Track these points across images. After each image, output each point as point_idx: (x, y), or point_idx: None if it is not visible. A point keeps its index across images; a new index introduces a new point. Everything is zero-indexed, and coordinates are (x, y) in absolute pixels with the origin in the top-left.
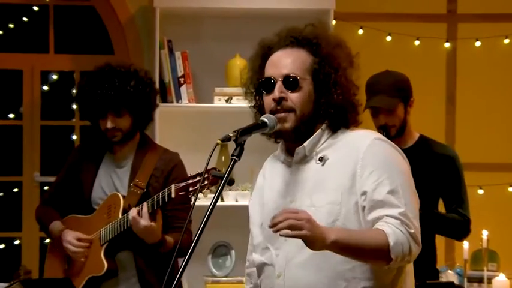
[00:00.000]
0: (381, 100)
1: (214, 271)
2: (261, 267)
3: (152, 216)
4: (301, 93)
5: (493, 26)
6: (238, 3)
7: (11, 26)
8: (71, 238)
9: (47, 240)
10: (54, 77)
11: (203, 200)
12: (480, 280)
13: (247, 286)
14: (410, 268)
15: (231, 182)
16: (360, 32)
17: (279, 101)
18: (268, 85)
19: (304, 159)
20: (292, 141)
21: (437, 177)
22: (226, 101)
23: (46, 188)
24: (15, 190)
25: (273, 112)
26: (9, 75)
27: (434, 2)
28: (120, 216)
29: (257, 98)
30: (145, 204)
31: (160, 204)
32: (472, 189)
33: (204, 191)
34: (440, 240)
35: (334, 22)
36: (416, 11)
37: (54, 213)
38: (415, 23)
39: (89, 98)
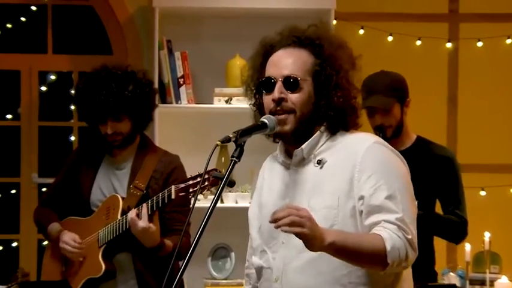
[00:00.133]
0: (376, 100)
1: (214, 273)
2: (259, 271)
3: (150, 218)
4: (301, 94)
5: (495, 26)
6: (238, 3)
7: (9, 26)
8: (68, 239)
9: (45, 243)
10: (53, 77)
11: (202, 201)
12: (482, 282)
13: (246, 286)
14: (408, 273)
15: (231, 184)
16: (361, 32)
17: (279, 101)
18: (268, 85)
19: (303, 161)
20: (291, 143)
21: (435, 178)
22: (226, 101)
23: (44, 189)
24: (13, 192)
25: (272, 113)
26: (7, 75)
27: (436, 1)
28: (119, 217)
29: (257, 96)
30: (144, 205)
31: (160, 205)
32: (474, 191)
33: (204, 192)
34: (441, 243)
35: (334, 22)
36: (418, 10)
37: (52, 215)
38: (416, 22)
39: (87, 104)
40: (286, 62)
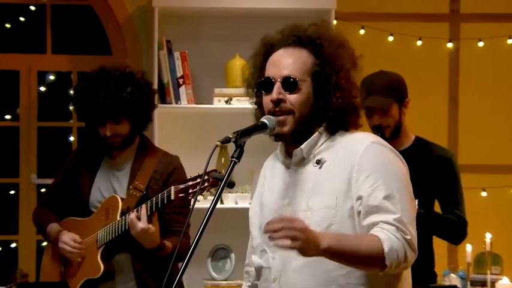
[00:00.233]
0: (374, 100)
1: (214, 274)
2: (259, 270)
3: (149, 219)
4: (299, 95)
5: (496, 26)
6: (238, 2)
7: (7, 26)
8: (67, 239)
9: (44, 243)
10: (52, 77)
11: (202, 202)
12: (483, 284)
13: (246, 284)
14: (407, 274)
15: (231, 185)
16: (362, 32)
17: (277, 102)
18: (267, 85)
19: (302, 161)
20: (290, 143)
21: (434, 179)
22: (226, 102)
23: (43, 190)
24: (12, 192)
25: (271, 113)
26: (6, 75)
27: (436, 1)
28: (118, 218)
29: (258, 94)
30: (143, 206)
31: (160, 206)
32: (475, 192)
33: (204, 193)
34: (442, 244)
35: (335, 22)
36: (419, 10)
37: (51, 215)
38: (417, 22)
39: (86, 106)
40: (286, 62)
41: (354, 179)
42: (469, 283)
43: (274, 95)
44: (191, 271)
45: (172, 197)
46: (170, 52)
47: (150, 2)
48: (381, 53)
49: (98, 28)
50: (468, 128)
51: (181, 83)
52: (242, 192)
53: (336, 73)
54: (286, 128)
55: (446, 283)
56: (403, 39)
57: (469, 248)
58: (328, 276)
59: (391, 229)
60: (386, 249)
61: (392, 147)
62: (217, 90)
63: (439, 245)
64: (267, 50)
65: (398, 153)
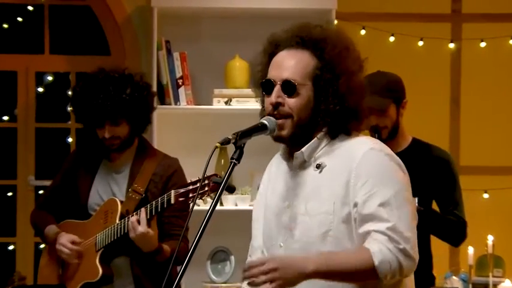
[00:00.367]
0: (371, 100)
1: (213, 277)
2: None
3: (148, 223)
4: (298, 99)
5: (498, 26)
6: (238, 2)
7: (5, 26)
8: (65, 241)
9: (42, 246)
10: (50, 78)
11: (202, 205)
12: (485, 286)
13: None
14: (408, 279)
15: (232, 190)
16: (363, 32)
17: (276, 106)
18: (268, 87)
19: (304, 164)
20: (291, 146)
21: (432, 180)
22: (226, 102)
23: (41, 192)
24: (10, 194)
25: (271, 116)
26: (4, 76)
27: (438, 1)
28: (117, 221)
29: (262, 93)
30: (143, 210)
31: (159, 210)
32: (477, 193)
33: (204, 197)
34: (444, 246)
35: (336, 22)
36: (420, 10)
37: (49, 218)
38: (418, 23)
39: (85, 107)
40: (287, 65)
41: (352, 185)
42: (470, 286)
43: (273, 98)
44: (190, 274)
45: (172, 201)
46: (169, 53)
47: (149, 2)
48: (382, 53)
49: (97, 28)
50: (470, 129)
51: (180, 83)
52: (242, 194)
53: (337, 77)
54: (284, 132)
55: (448, 285)
56: (405, 40)
57: (470, 250)
58: (325, 283)
59: (383, 240)
60: (376, 262)
61: (393, 153)
62: (216, 91)
63: (441, 247)
64: (272, 50)
65: (398, 159)
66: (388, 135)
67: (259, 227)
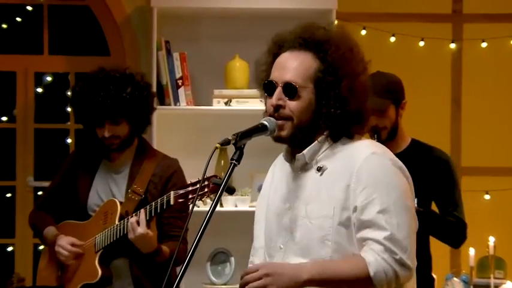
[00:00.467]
0: (371, 101)
1: (213, 279)
2: None
3: (148, 224)
4: (299, 102)
5: (499, 26)
6: (238, 3)
7: (4, 26)
8: (64, 243)
9: (41, 247)
10: (49, 78)
11: (201, 206)
12: None
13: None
14: (411, 281)
15: (231, 191)
16: (363, 32)
17: (276, 108)
18: (269, 88)
19: (305, 166)
20: (292, 147)
21: (431, 181)
22: (226, 103)
23: (40, 193)
24: (9, 195)
25: (271, 117)
26: (3, 77)
27: (439, 1)
28: (116, 222)
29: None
30: (142, 211)
31: (158, 211)
32: (479, 195)
33: (203, 199)
34: (445, 247)
35: (336, 22)
36: (421, 11)
37: (48, 219)
38: (419, 23)
39: (85, 106)
40: (290, 66)
41: (352, 189)
42: (472, 287)
43: (274, 100)
44: (190, 275)
45: (172, 202)
46: (169, 53)
47: (149, 2)
48: (383, 53)
49: (96, 28)
50: (471, 130)
51: (180, 84)
52: (242, 195)
53: (339, 80)
54: (284, 133)
55: (449, 287)
56: (405, 40)
57: (472, 251)
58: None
59: (379, 250)
60: (371, 272)
61: (396, 159)
62: (216, 92)
63: (441, 248)
64: (276, 49)
65: (401, 164)
66: (387, 136)
67: (260, 228)
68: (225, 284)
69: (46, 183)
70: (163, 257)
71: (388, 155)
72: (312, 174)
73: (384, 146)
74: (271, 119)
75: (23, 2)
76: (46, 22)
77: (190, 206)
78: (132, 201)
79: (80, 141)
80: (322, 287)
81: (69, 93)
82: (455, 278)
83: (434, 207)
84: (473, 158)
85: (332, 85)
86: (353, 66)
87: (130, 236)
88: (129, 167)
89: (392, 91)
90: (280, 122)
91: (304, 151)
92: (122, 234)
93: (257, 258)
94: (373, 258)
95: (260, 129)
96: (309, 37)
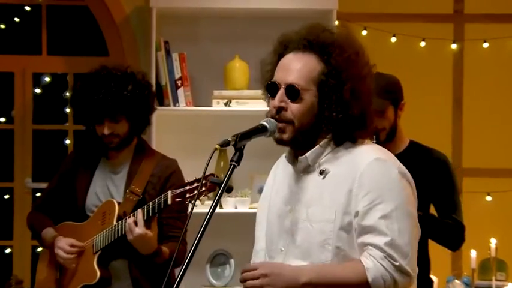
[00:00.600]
0: None
1: (213, 281)
2: None
3: (147, 224)
4: (301, 105)
5: (501, 26)
6: (237, 3)
7: (2, 26)
8: (63, 244)
9: (39, 249)
10: (47, 79)
11: (201, 207)
12: None
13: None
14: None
15: (229, 189)
16: (364, 33)
17: (278, 110)
18: (272, 90)
19: (308, 168)
20: (293, 149)
21: (430, 183)
22: (225, 104)
23: (38, 194)
24: (6, 197)
25: (273, 118)
26: (1, 77)
27: (440, 2)
28: (114, 223)
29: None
30: (139, 211)
31: (156, 211)
32: (480, 196)
33: (201, 198)
34: (446, 249)
35: (336, 23)
36: (422, 11)
37: (46, 220)
38: (420, 23)
39: (85, 103)
40: (294, 68)
41: (354, 194)
42: None
43: (276, 102)
44: (190, 277)
45: (169, 202)
46: (168, 53)
47: (148, 3)
48: (384, 54)
49: (95, 29)
50: (473, 131)
51: (179, 84)
52: (242, 197)
53: (342, 84)
54: (285, 136)
55: None
56: (407, 40)
57: (473, 253)
58: None
59: (378, 256)
60: (369, 278)
61: (400, 164)
62: (216, 92)
63: (443, 251)
64: (282, 50)
65: (404, 169)
66: (386, 137)
67: (262, 230)
68: (224, 286)
69: (44, 185)
70: (163, 258)
71: (392, 160)
72: (314, 177)
73: (388, 151)
74: (271, 120)
75: (21, 2)
76: (44, 22)
77: (190, 205)
78: (130, 202)
79: (78, 142)
80: None
81: (67, 93)
82: (456, 280)
83: (432, 209)
84: (474, 159)
85: (335, 88)
86: (357, 69)
87: (129, 237)
88: (127, 167)
89: (391, 92)
90: (281, 124)
91: (307, 154)
92: (120, 234)
93: (258, 260)
94: (372, 264)
95: (260, 130)
96: (313, 39)
